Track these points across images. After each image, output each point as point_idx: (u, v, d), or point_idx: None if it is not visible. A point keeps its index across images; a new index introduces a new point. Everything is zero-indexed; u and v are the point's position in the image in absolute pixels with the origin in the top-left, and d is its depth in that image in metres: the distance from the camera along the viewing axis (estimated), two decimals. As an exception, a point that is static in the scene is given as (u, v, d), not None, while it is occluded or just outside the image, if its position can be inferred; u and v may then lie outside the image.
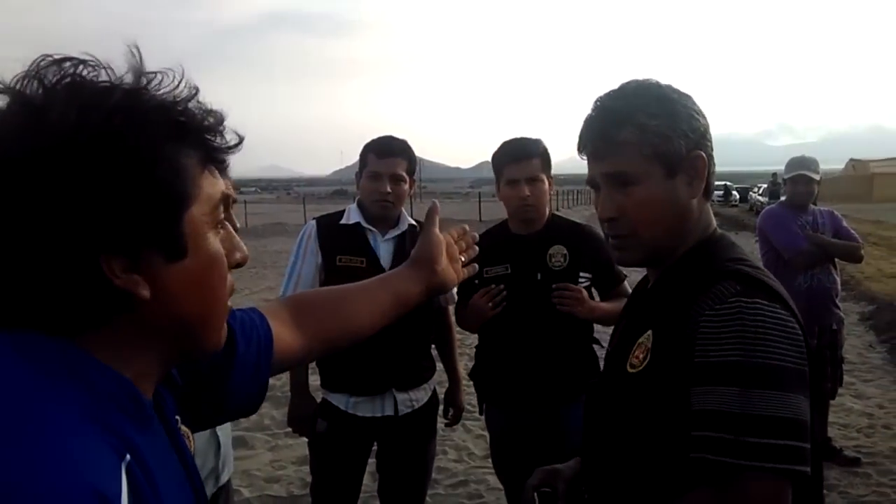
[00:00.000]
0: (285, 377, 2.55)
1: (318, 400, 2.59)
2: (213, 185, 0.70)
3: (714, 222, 1.21)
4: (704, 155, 1.13)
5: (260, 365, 0.97)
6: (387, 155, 2.45)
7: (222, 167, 0.72)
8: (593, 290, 2.51)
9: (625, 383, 1.10)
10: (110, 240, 0.62)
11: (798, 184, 3.92)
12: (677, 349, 1.00)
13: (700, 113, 1.15)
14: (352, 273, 2.37)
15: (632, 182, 1.12)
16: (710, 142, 1.16)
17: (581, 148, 1.20)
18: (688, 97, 1.15)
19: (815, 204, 4.14)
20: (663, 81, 1.18)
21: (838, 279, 3.96)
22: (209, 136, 0.69)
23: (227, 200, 0.73)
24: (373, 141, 2.51)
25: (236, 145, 0.72)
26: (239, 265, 0.76)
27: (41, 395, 0.58)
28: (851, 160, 50.00)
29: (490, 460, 3.36)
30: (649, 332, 1.09)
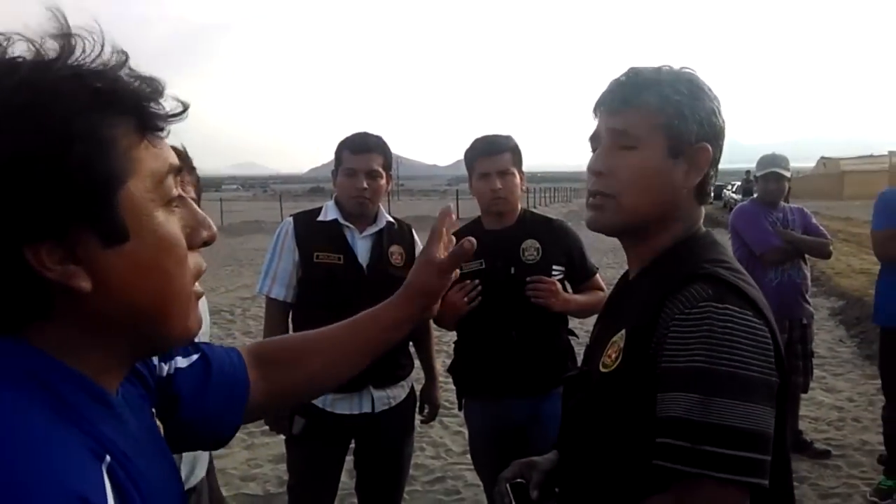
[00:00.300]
0: None
1: None
2: (156, 157, 0.63)
3: (701, 223, 1.19)
4: (710, 149, 1.11)
5: (233, 404, 0.91)
6: (362, 151, 2.44)
7: (162, 135, 0.65)
8: (567, 283, 2.56)
9: (597, 382, 1.10)
10: (30, 228, 0.56)
11: (769, 181, 3.97)
12: (647, 352, 1.00)
13: (721, 115, 1.14)
14: (329, 269, 2.39)
15: (632, 145, 1.10)
16: (721, 146, 1.14)
17: (599, 104, 1.17)
18: (717, 98, 1.14)
19: (787, 201, 4.20)
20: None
21: (808, 275, 4.03)
22: (144, 104, 0.62)
23: (176, 171, 0.66)
24: (347, 138, 2.50)
25: (179, 113, 0.65)
26: (206, 243, 0.70)
27: (4, 402, 0.55)
28: (822, 158, 50.83)
29: (467, 456, 3.37)
30: (623, 331, 1.07)
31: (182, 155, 1.59)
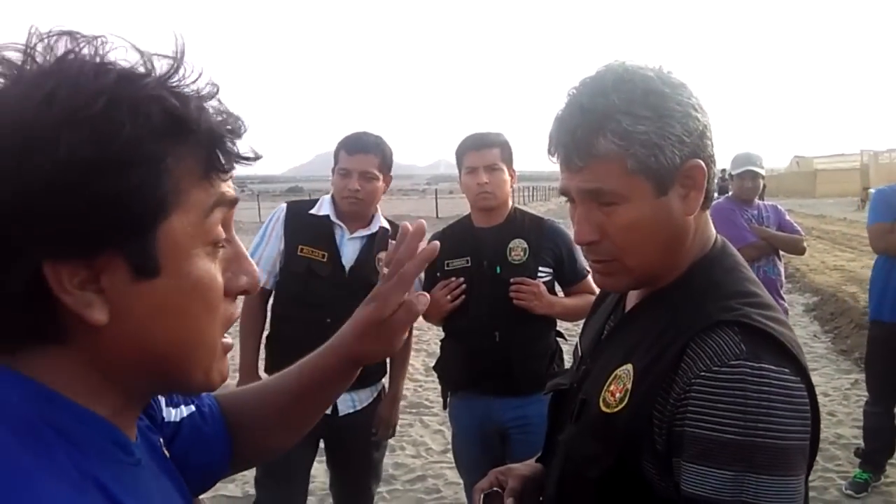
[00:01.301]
0: (237, 370, 2.49)
1: None
2: (207, 191, 0.58)
3: (714, 233, 1.05)
4: (703, 163, 0.94)
5: (218, 460, 0.85)
6: (357, 151, 2.39)
7: (226, 177, 0.60)
8: (556, 285, 2.52)
9: (596, 419, 0.98)
10: (60, 242, 0.51)
11: (745, 179, 4.02)
12: (664, 404, 0.88)
13: (699, 108, 0.95)
14: (310, 265, 2.35)
15: (614, 201, 0.94)
16: (711, 140, 0.96)
17: (551, 151, 0.99)
18: (683, 88, 0.95)
19: (762, 198, 4.26)
20: (655, 65, 0.96)
21: (783, 271, 4.08)
22: (219, 143, 0.58)
23: (226, 205, 0.60)
24: (345, 137, 2.46)
25: (252, 158, 0.60)
26: (246, 293, 0.64)
27: (14, 454, 0.49)
28: (796, 157, 51.60)
29: (448, 455, 3.37)
30: (629, 366, 0.95)
31: None
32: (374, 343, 0.86)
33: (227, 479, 3.99)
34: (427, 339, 6.96)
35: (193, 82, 0.57)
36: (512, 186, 2.50)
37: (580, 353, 1.20)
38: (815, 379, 3.65)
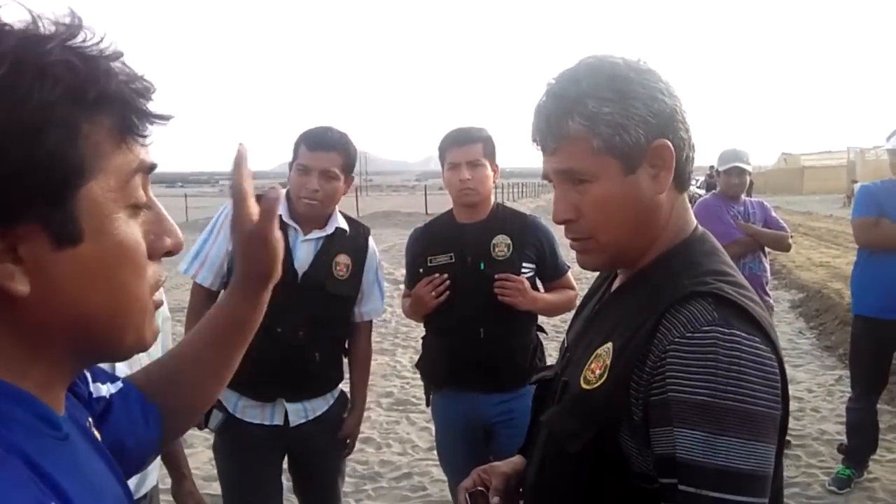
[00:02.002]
0: None
1: None
2: (125, 156, 0.57)
3: (693, 219, 1.08)
4: (670, 143, 0.98)
5: (149, 433, 0.85)
6: (318, 148, 2.21)
7: (143, 140, 0.60)
8: (538, 280, 2.52)
9: (576, 397, 1.01)
10: None
11: (732, 175, 4.03)
12: (640, 374, 0.91)
13: (666, 92, 0.99)
14: None
15: (585, 180, 1.00)
16: (683, 123, 1.01)
17: (532, 139, 1.07)
18: (650, 73, 1.00)
19: (749, 194, 4.27)
20: (630, 56, 1.02)
21: (768, 267, 4.10)
22: (130, 104, 0.57)
23: (145, 171, 0.60)
24: (307, 131, 2.29)
25: (166, 117, 0.60)
26: (170, 253, 0.64)
27: None
28: (783, 154, 51.89)
29: (434, 453, 3.36)
30: (609, 344, 0.98)
31: None
32: (259, 253, 0.87)
33: (210, 478, 3.97)
34: (415, 336, 6.95)
35: (96, 45, 0.55)
36: (495, 182, 2.48)
37: (565, 345, 1.22)
38: (799, 375, 3.69)
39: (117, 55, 0.57)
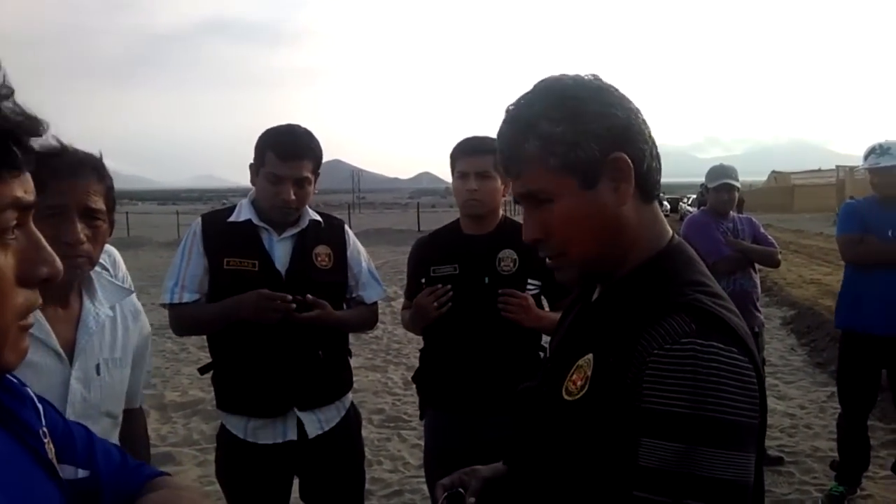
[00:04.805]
0: (212, 393, 2.35)
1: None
2: (1, 191, 0.60)
3: (669, 229, 1.09)
4: (626, 155, 1.00)
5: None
6: (290, 157, 2.13)
7: (18, 175, 0.62)
8: (543, 298, 2.44)
9: (559, 409, 1.01)
10: None
11: (721, 192, 4.05)
12: (620, 387, 0.91)
13: (619, 106, 1.01)
14: (241, 277, 2.12)
15: (547, 199, 1.03)
16: (641, 135, 1.02)
17: (500, 165, 1.10)
18: (603, 90, 1.02)
19: (739, 211, 4.29)
20: (585, 73, 1.05)
21: (758, 283, 4.10)
22: (10, 142, 0.60)
23: (19, 208, 0.62)
24: (273, 135, 2.17)
25: (55, 154, 0.64)
26: (48, 281, 0.66)
27: None
28: (773, 172, 52.30)
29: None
30: (590, 355, 0.99)
31: (94, 162, 1.49)
32: None
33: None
34: (407, 353, 6.93)
35: None
36: (505, 195, 2.39)
37: (547, 356, 1.23)
38: (791, 392, 3.68)
39: (5, 94, 0.59)
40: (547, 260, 1.11)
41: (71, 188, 1.41)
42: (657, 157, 1.05)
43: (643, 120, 1.04)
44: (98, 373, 1.52)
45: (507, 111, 1.06)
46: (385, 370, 6.43)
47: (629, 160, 1.00)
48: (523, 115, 1.03)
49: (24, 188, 0.62)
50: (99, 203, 1.47)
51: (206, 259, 2.19)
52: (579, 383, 0.98)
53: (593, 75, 1.05)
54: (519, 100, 1.05)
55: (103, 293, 1.59)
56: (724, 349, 0.88)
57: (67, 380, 1.45)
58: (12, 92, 0.59)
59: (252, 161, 2.22)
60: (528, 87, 1.07)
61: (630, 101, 1.04)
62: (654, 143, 1.05)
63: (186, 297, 2.18)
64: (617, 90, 1.04)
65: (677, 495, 0.84)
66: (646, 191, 1.05)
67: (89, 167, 1.47)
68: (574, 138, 0.99)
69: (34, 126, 0.61)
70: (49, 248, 0.66)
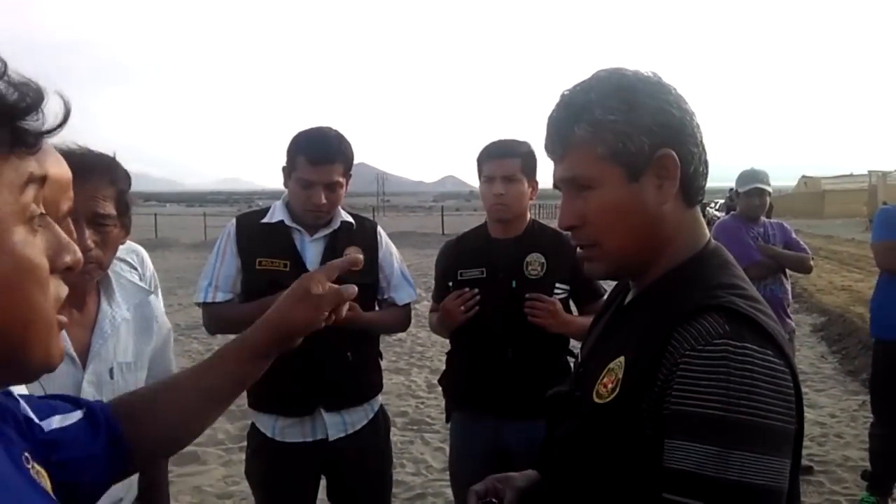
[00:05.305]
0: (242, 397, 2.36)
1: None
2: (16, 169, 0.57)
3: (707, 234, 1.08)
4: (675, 153, 0.99)
5: (112, 463, 0.84)
6: (321, 162, 2.14)
7: (33, 150, 0.59)
8: (571, 302, 2.42)
9: (590, 412, 1.00)
10: None
11: (752, 196, 3.99)
12: (651, 388, 0.90)
13: (675, 105, 1.00)
14: (273, 277, 2.13)
15: (589, 186, 1.02)
16: (693, 137, 1.01)
17: (544, 147, 1.08)
18: (661, 86, 1.01)
19: (769, 216, 4.23)
20: (643, 69, 1.04)
21: (789, 289, 4.04)
22: (17, 118, 0.56)
23: (38, 182, 0.59)
24: (304, 139, 2.19)
25: (54, 129, 0.59)
26: (70, 269, 0.63)
27: None
28: (804, 177, 51.47)
29: (448, 473, 3.31)
30: (621, 358, 0.97)
31: (104, 164, 1.47)
32: (304, 311, 0.95)
33: (224, 496, 3.95)
34: (430, 356, 6.94)
35: None
36: (532, 198, 2.38)
37: (579, 360, 1.22)
38: (822, 400, 3.61)
39: (2, 70, 0.56)
40: (578, 249, 1.10)
41: (77, 193, 1.42)
42: (706, 164, 1.04)
43: (697, 124, 1.03)
44: (111, 377, 1.51)
45: (562, 96, 1.05)
46: (409, 373, 6.44)
47: (677, 159, 0.99)
48: (578, 100, 1.02)
49: (36, 163, 0.60)
50: (108, 208, 1.44)
51: (239, 259, 2.21)
52: (610, 386, 0.97)
53: (653, 72, 1.04)
54: (575, 86, 1.05)
55: (122, 294, 1.59)
56: (758, 351, 0.86)
57: (79, 383, 1.44)
58: (6, 66, 0.56)
59: (284, 164, 2.24)
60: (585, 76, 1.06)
61: (687, 103, 1.03)
62: (704, 149, 1.04)
63: (220, 297, 2.20)
64: (675, 89, 1.03)
65: (707, 499, 0.82)
66: (689, 193, 1.03)
67: (98, 170, 1.44)
68: (626, 129, 0.98)
69: (37, 100, 0.58)
70: (66, 236, 0.64)
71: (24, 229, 0.57)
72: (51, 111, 0.59)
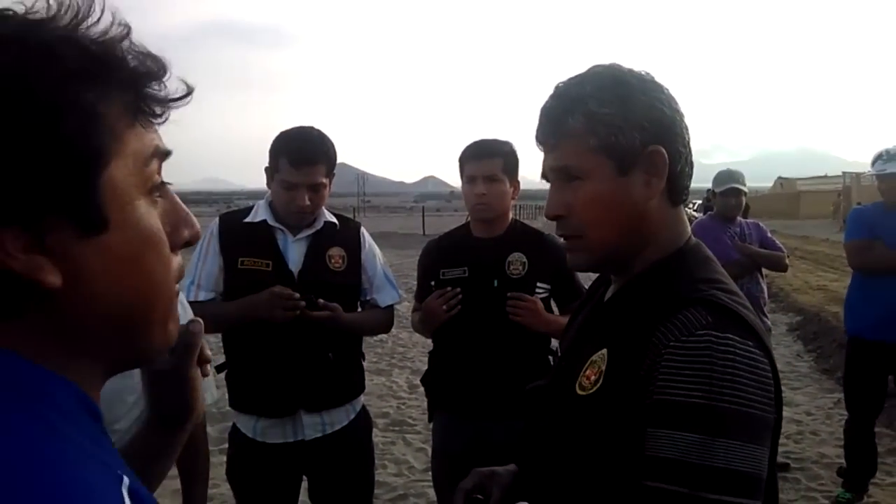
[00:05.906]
0: (222, 397, 2.35)
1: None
2: (141, 140, 0.55)
3: (689, 231, 1.09)
4: (664, 150, 1.00)
5: None
6: (304, 164, 2.12)
7: (158, 121, 0.57)
8: (552, 302, 2.44)
9: (572, 405, 1.01)
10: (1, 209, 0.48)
11: (729, 196, 4.04)
12: (635, 379, 0.91)
13: (667, 104, 1.02)
14: (255, 277, 2.14)
15: (578, 177, 1.03)
16: (681, 137, 1.03)
17: (535, 137, 1.09)
18: (654, 84, 1.04)
19: (745, 216, 4.29)
20: (637, 67, 1.06)
21: (765, 288, 4.09)
22: (143, 83, 0.54)
23: (161, 156, 0.57)
24: (286, 141, 2.16)
25: (183, 96, 0.57)
26: (189, 243, 0.61)
27: (12, 420, 0.47)
28: (780, 178, 52.18)
29: (430, 473, 3.32)
30: (604, 351, 0.98)
31: None
32: (172, 394, 0.81)
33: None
34: (412, 357, 6.93)
35: (97, 23, 0.52)
36: (514, 198, 2.40)
37: (559, 354, 1.23)
38: (798, 398, 3.67)
39: (123, 33, 0.54)
40: (562, 241, 1.12)
41: None
42: (691, 165, 1.06)
43: (686, 125, 1.05)
44: None
45: (557, 87, 1.06)
46: (390, 374, 6.43)
47: (667, 156, 1.01)
48: (573, 92, 1.04)
49: (159, 137, 0.58)
50: None
51: (221, 258, 2.20)
52: (593, 378, 0.98)
53: (646, 71, 1.06)
54: (571, 78, 1.06)
55: None
56: (739, 342, 0.88)
57: None
58: (129, 31, 0.54)
59: (267, 165, 2.23)
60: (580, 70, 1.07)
61: (677, 103, 1.05)
62: (690, 150, 1.06)
63: (202, 296, 2.19)
64: (667, 90, 1.05)
65: (693, 486, 0.83)
66: (675, 192, 1.05)
67: None
68: (619, 123, 1.00)
69: (162, 68, 0.56)
70: (186, 208, 0.61)
71: (146, 202, 0.55)
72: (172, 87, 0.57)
